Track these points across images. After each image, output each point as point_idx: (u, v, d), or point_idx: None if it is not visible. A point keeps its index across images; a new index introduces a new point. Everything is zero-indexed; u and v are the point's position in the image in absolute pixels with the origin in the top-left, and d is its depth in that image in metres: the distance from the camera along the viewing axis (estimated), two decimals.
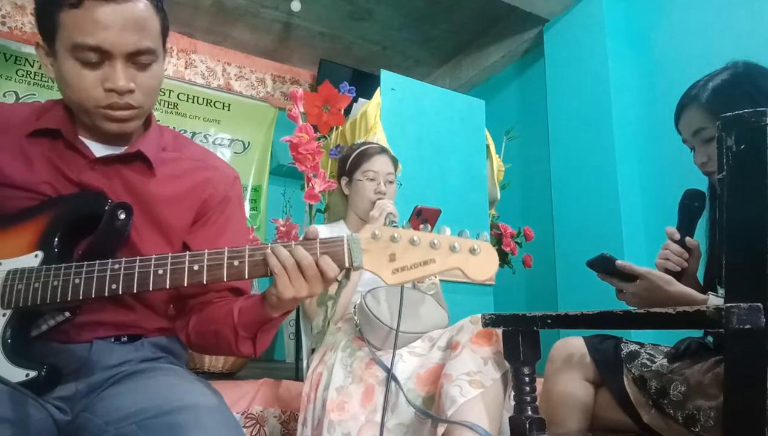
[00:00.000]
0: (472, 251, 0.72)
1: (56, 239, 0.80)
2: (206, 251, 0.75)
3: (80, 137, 0.87)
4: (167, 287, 0.74)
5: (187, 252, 0.76)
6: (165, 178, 0.91)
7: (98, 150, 0.87)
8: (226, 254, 0.75)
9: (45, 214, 0.82)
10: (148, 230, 0.88)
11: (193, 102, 4.20)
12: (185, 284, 0.74)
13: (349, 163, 1.65)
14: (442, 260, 0.72)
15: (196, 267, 0.74)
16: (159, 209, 0.89)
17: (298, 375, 2.19)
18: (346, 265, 0.74)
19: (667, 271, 1.08)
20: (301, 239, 0.78)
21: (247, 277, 0.75)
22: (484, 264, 0.73)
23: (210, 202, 0.95)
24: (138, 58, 0.80)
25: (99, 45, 0.76)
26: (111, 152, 0.88)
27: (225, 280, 0.75)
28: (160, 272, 0.74)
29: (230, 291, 0.93)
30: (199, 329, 0.90)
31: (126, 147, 0.89)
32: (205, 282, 0.75)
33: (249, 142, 4.33)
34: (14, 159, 0.84)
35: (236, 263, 0.75)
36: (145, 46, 0.80)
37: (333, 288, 0.79)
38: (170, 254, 0.75)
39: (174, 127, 4.13)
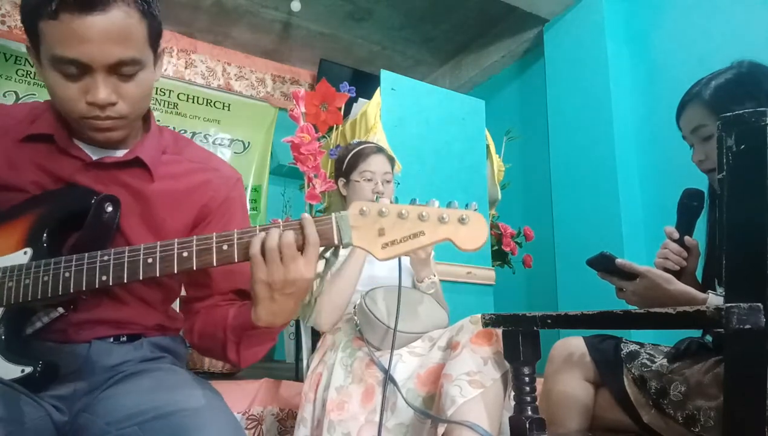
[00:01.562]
0: (461, 220, 0.72)
1: (45, 235, 0.80)
2: (195, 236, 0.74)
3: (75, 141, 0.86)
4: (157, 275, 0.74)
5: (176, 239, 0.75)
6: (163, 181, 0.90)
7: (95, 153, 0.86)
8: (214, 238, 0.74)
9: (32, 211, 0.81)
10: (145, 234, 0.88)
11: (193, 102, 4.20)
12: (175, 272, 0.74)
13: (346, 164, 1.65)
14: (432, 231, 0.72)
15: (185, 254, 0.73)
16: (156, 214, 0.88)
17: (298, 375, 2.20)
18: (335, 242, 0.73)
19: (667, 270, 1.08)
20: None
21: (236, 260, 0.74)
22: (474, 233, 0.72)
23: (210, 205, 0.93)
24: (121, 69, 0.76)
25: (77, 58, 0.73)
26: (107, 155, 0.87)
27: (215, 264, 0.74)
28: (150, 260, 0.74)
29: (236, 294, 0.92)
30: (201, 331, 0.90)
31: (125, 150, 0.88)
32: (195, 268, 0.74)
33: (249, 142, 4.33)
34: (4, 163, 0.83)
35: (225, 246, 0.74)
36: (128, 56, 0.76)
37: (320, 266, 0.78)
38: (158, 243, 0.75)
39: (174, 127, 4.12)
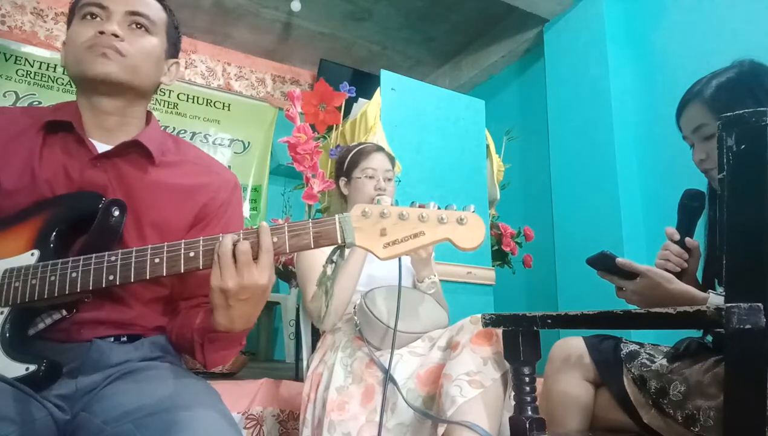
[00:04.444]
0: (460, 221, 0.75)
1: (52, 238, 0.81)
2: (201, 237, 0.76)
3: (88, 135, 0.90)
4: (164, 274, 0.75)
5: (183, 240, 0.77)
6: (165, 177, 0.93)
7: (101, 148, 0.90)
8: (221, 237, 0.76)
9: (41, 214, 0.82)
10: (144, 225, 0.89)
11: (193, 102, 4.20)
12: (182, 271, 0.76)
13: (347, 162, 1.66)
14: (432, 231, 0.74)
15: (191, 254, 0.76)
16: (157, 205, 0.90)
17: (298, 375, 2.19)
18: (339, 242, 0.75)
19: (667, 271, 1.08)
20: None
21: None
22: (472, 233, 0.75)
23: (210, 206, 0.96)
24: (134, 19, 0.89)
25: (100, 2, 0.87)
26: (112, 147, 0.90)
27: None
28: (157, 260, 0.76)
29: None
30: (178, 331, 0.91)
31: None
32: (201, 267, 0.76)
33: (249, 142, 4.33)
34: (20, 165, 0.85)
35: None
36: (142, 10, 0.90)
37: (330, 269, 0.80)
38: (166, 244, 0.77)
39: (174, 127, 4.12)
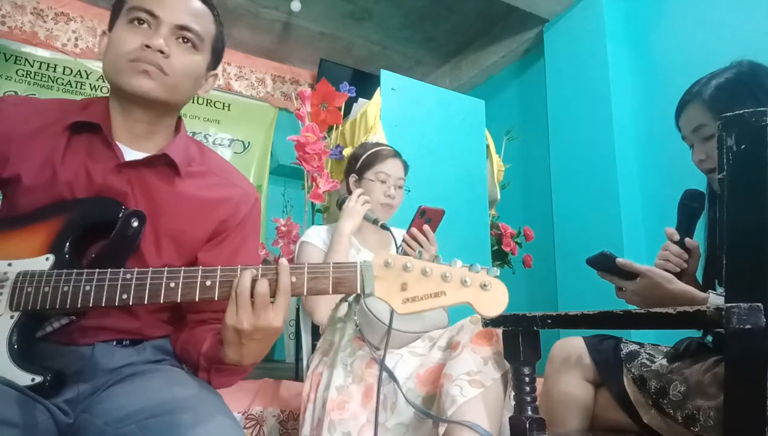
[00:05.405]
0: (483, 286, 0.72)
1: (68, 244, 0.80)
2: (219, 267, 0.74)
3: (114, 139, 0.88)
4: (178, 300, 0.73)
5: (200, 267, 0.75)
6: (188, 186, 0.91)
7: (128, 154, 0.88)
8: (239, 271, 0.74)
9: (59, 217, 0.81)
10: (161, 236, 0.88)
11: (193, 102, 4.20)
12: (197, 299, 0.74)
13: (362, 161, 1.64)
14: (453, 293, 0.72)
15: (208, 283, 0.74)
16: (176, 217, 0.89)
17: (298, 375, 2.20)
18: (357, 290, 0.74)
19: (667, 271, 1.08)
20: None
21: None
22: (495, 300, 0.72)
23: (229, 221, 0.94)
24: (182, 33, 0.87)
25: (151, 9, 0.84)
26: (139, 156, 0.88)
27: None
28: (172, 284, 0.74)
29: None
30: (183, 345, 0.91)
31: (155, 152, 0.90)
32: (216, 298, 0.74)
33: (249, 142, 4.34)
34: (40, 161, 0.84)
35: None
36: (192, 25, 0.87)
37: (342, 310, 0.78)
38: (183, 268, 0.75)
39: None
